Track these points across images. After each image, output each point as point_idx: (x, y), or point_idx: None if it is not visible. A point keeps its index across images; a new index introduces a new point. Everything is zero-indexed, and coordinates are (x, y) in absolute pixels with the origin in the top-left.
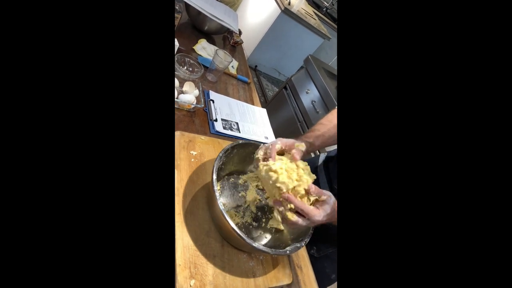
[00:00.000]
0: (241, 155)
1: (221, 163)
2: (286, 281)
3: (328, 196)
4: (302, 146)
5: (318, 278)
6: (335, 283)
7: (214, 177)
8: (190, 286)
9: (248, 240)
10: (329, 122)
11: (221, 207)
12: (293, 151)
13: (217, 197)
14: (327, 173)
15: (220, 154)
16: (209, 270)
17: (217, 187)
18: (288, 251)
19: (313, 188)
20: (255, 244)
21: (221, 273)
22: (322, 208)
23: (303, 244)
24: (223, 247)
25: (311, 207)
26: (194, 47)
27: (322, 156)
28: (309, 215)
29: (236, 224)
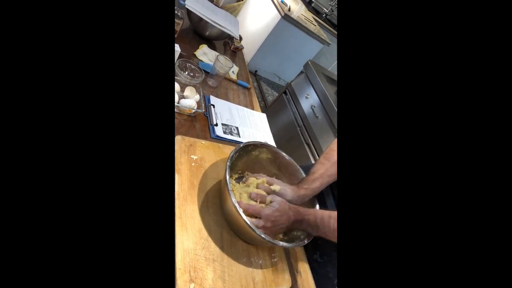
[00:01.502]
0: (243, 157)
1: (230, 163)
2: (285, 286)
3: (273, 196)
4: (274, 187)
5: (321, 283)
6: None
7: (227, 176)
8: None
9: (258, 232)
10: (327, 160)
11: (235, 202)
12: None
13: (231, 193)
14: None
15: (231, 155)
16: (209, 274)
17: (230, 185)
18: (306, 241)
19: (254, 194)
20: (265, 236)
21: (220, 277)
22: (271, 205)
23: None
24: (223, 251)
25: (259, 206)
26: (195, 53)
27: None
28: (257, 212)
29: None
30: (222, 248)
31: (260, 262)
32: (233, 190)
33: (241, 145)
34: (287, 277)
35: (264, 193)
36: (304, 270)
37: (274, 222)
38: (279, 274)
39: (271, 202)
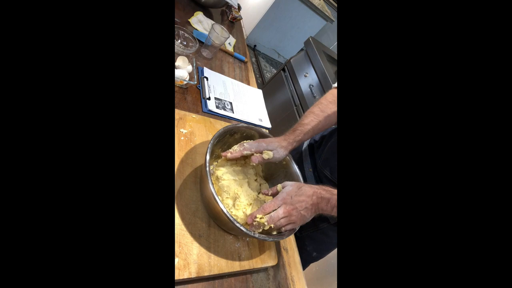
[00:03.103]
0: (238, 139)
1: (215, 144)
2: (271, 263)
3: (283, 184)
4: (267, 155)
5: (300, 255)
6: (319, 260)
7: (207, 157)
8: (174, 264)
9: (237, 224)
10: (322, 111)
11: (212, 189)
12: (254, 156)
13: (209, 179)
14: (312, 157)
15: (215, 135)
16: (194, 249)
17: (209, 168)
18: (279, 237)
19: (265, 190)
20: (243, 228)
21: (206, 253)
22: (284, 190)
23: (290, 233)
24: (210, 227)
25: (267, 204)
26: (189, 20)
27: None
28: (268, 210)
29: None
30: (208, 224)
31: (247, 239)
32: (224, 170)
33: (221, 130)
34: (273, 254)
35: (271, 188)
36: (291, 248)
37: (293, 203)
38: (266, 251)
39: (283, 187)
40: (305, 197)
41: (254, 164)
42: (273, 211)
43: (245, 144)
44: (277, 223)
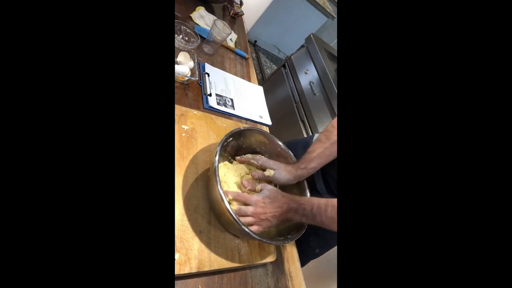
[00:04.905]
0: (237, 140)
1: (224, 145)
2: (270, 259)
3: (264, 184)
4: (268, 172)
5: (303, 251)
6: (318, 257)
7: (217, 158)
8: (175, 259)
9: (243, 226)
10: (327, 139)
11: (221, 191)
12: (254, 172)
13: (218, 181)
14: None
15: (225, 138)
16: (195, 244)
17: (218, 170)
18: (286, 241)
19: (245, 182)
20: (248, 230)
21: (206, 248)
22: (261, 192)
23: (294, 238)
24: (210, 223)
25: (244, 194)
26: (191, 15)
27: (316, 137)
28: (246, 199)
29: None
30: (209, 220)
31: None
32: (226, 170)
33: (235, 130)
34: (272, 250)
35: (255, 181)
36: (290, 244)
37: (264, 208)
38: (265, 247)
39: (261, 190)
40: (277, 205)
41: (256, 178)
42: (244, 205)
43: (257, 156)
44: (243, 218)
